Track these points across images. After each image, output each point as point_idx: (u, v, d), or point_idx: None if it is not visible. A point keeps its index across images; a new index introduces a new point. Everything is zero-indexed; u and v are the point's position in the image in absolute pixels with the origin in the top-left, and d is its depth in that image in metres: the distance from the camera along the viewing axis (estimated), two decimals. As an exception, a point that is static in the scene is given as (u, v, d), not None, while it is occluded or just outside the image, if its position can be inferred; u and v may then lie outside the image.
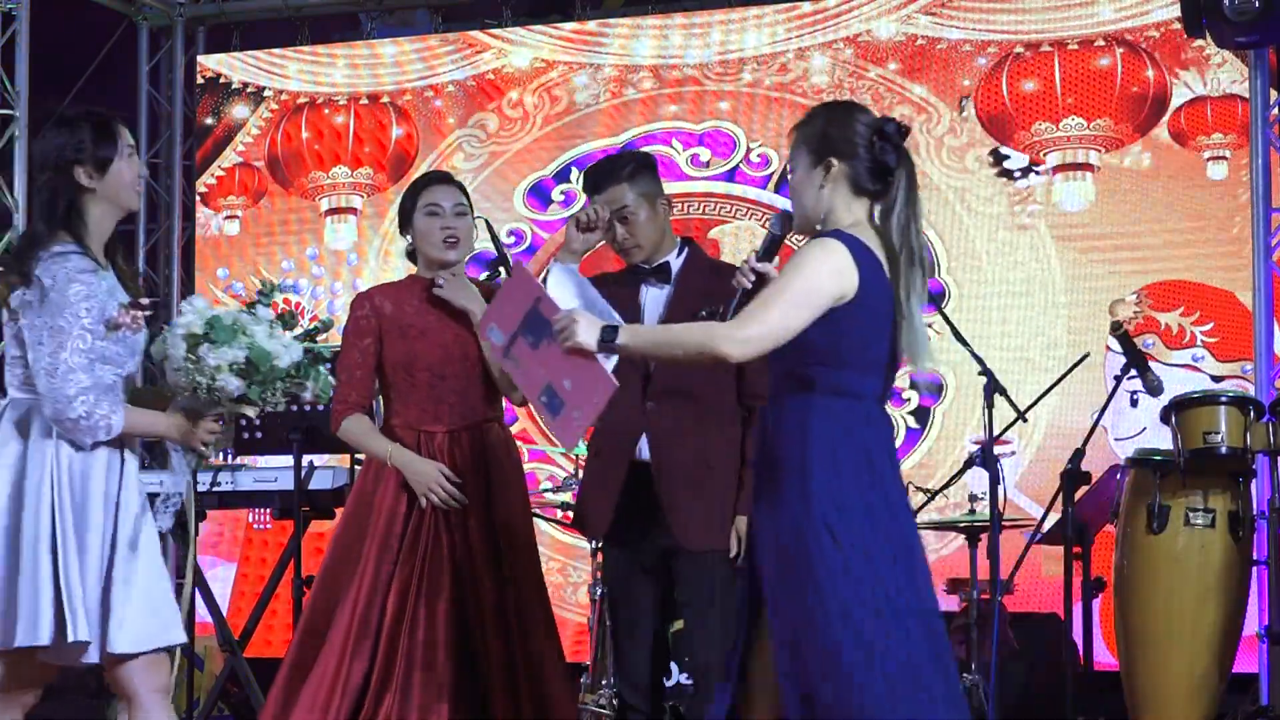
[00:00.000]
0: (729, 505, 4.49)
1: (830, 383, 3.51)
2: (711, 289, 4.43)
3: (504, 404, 4.77)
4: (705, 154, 8.22)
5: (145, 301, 3.87)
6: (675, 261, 4.62)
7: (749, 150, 8.17)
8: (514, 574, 4.55)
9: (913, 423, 7.83)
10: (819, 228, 3.63)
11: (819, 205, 3.62)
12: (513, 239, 8.46)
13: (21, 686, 3.91)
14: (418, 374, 4.63)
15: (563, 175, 8.46)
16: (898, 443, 7.68)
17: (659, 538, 4.54)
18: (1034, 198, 7.76)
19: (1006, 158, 7.83)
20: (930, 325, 7.71)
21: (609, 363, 3.59)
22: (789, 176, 3.75)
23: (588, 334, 3.49)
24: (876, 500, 3.49)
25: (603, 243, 4.64)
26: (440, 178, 4.81)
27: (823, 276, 3.46)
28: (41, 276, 3.78)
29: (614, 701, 5.91)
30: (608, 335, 3.49)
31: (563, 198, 8.45)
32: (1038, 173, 7.76)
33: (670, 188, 4.71)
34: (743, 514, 4.42)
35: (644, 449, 4.54)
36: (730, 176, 8.19)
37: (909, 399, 7.84)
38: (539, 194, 8.47)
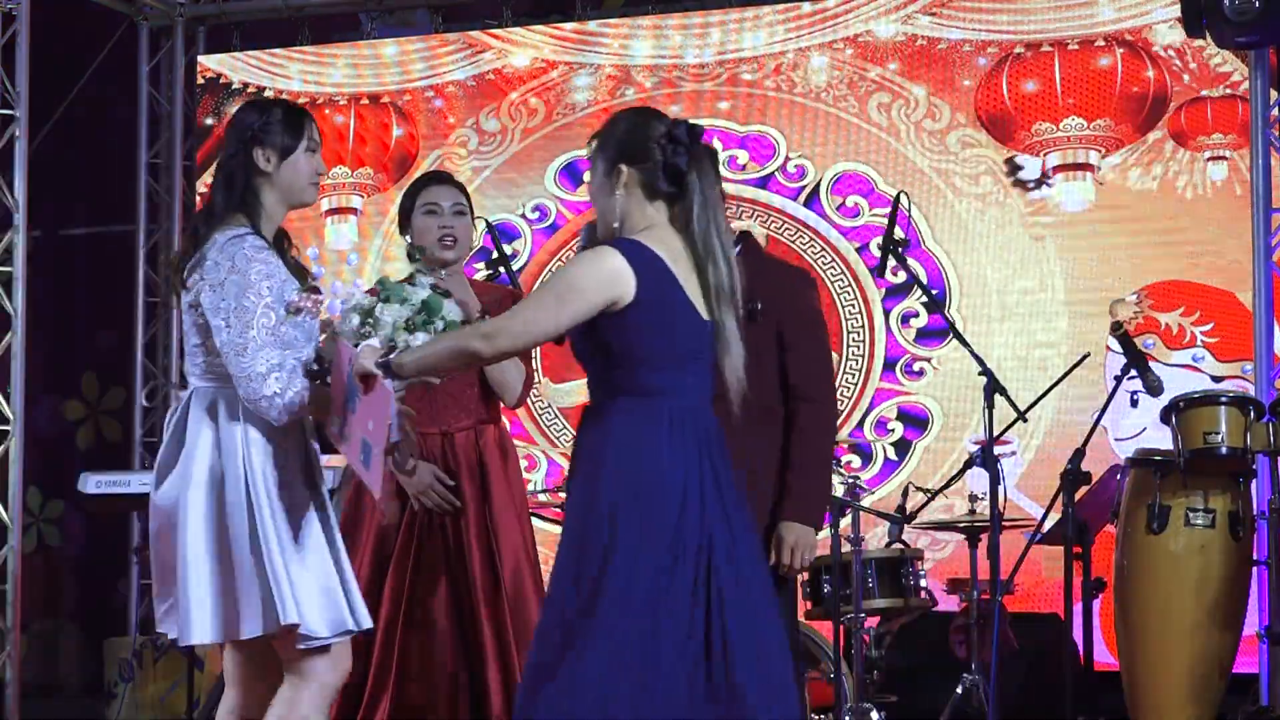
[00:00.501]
0: (765, 512, 4.33)
1: (630, 383, 3.57)
2: (754, 286, 4.39)
3: (500, 405, 4.76)
4: (744, 157, 8.19)
5: (320, 287, 3.90)
6: None
7: (787, 159, 8.15)
8: (509, 575, 4.54)
9: (892, 454, 7.83)
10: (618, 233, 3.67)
11: (614, 211, 3.67)
12: (537, 214, 8.46)
13: (263, 676, 3.89)
14: None
15: None
16: (874, 471, 7.74)
17: None
18: (1044, 209, 7.76)
19: (1021, 168, 7.83)
20: (930, 361, 7.86)
21: (392, 387, 3.67)
22: (587, 184, 3.79)
23: (369, 359, 3.63)
24: (661, 497, 3.52)
25: None
26: (439, 177, 4.81)
27: (583, 281, 3.53)
28: (220, 260, 3.75)
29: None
30: (383, 358, 3.63)
31: None
32: (1050, 184, 7.76)
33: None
34: (785, 520, 4.31)
35: None
36: (764, 183, 8.16)
37: (893, 429, 7.86)
38: (571, 173, 8.46)
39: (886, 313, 7.95)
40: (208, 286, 3.76)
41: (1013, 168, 7.84)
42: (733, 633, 3.51)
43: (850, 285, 7.98)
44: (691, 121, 3.68)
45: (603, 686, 3.44)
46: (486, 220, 5.21)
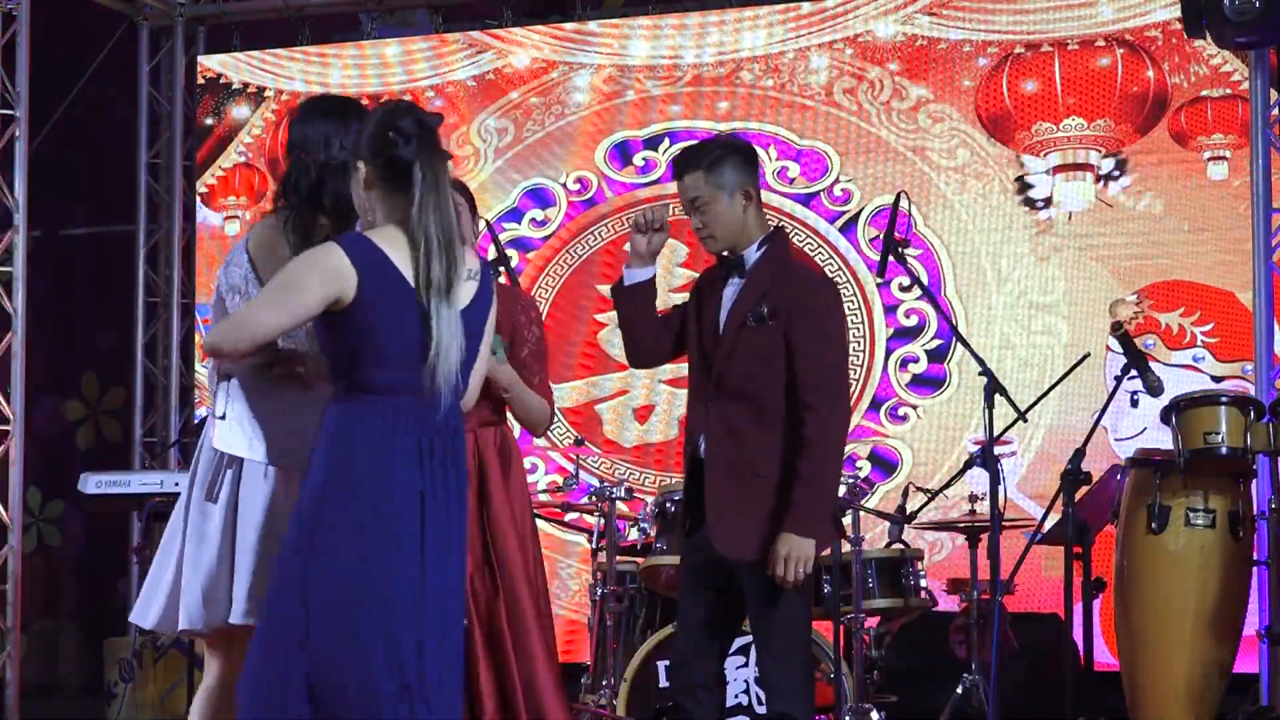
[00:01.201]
0: (768, 517, 4.32)
1: (358, 380, 3.55)
2: (769, 291, 4.38)
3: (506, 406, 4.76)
4: (795, 170, 8.13)
5: None
6: (752, 256, 4.45)
7: (836, 181, 8.10)
8: (506, 581, 4.53)
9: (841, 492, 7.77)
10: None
11: (364, 210, 3.67)
12: (579, 185, 8.44)
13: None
14: None
15: (653, 142, 8.42)
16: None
17: (707, 538, 4.42)
18: (1053, 230, 7.74)
19: (1031, 186, 7.81)
20: (916, 409, 7.83)
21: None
22: None
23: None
24: (378, 498, 3.52)
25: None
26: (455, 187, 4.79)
27: (302, 280, 3.52)
28: None
29: (613, 701, 5.92)
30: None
31: (644, 163, 8.41)
32: (1056, 207, 7.74)
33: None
34: (783, 530, 4.28)
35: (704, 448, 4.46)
36: (807, 200, 8.10)
37: (860, 468, 7.87)
38: (622, 152, 8.44)
39: (888, 352, 7.93)
40: None
41: (1022, 185, 7.82)
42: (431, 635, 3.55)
43: (861, 318, 7.95)
44: (426, 111, 3.65)
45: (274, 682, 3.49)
46: (486, 220, 5.21)
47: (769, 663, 4.41)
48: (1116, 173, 7.67)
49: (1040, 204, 7.78)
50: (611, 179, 8.42)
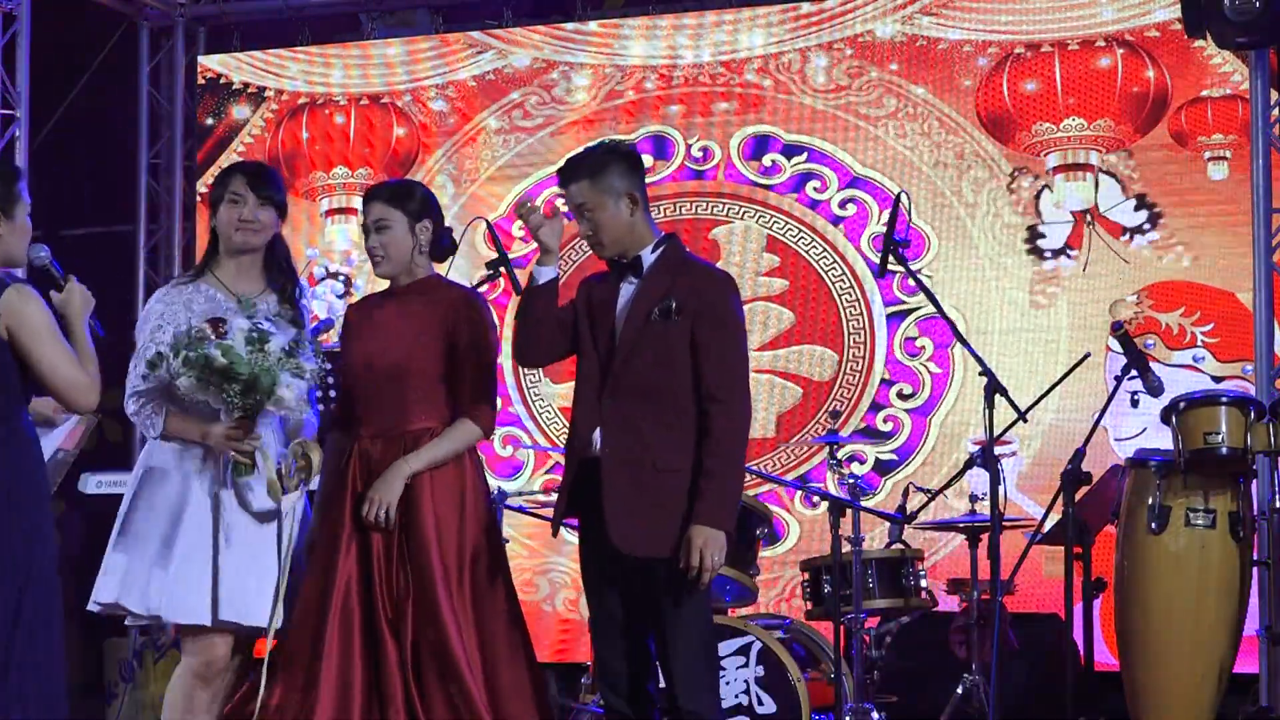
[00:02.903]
0: (676, 513, 4.34)
1: None
2: (672, 288, 4.41)
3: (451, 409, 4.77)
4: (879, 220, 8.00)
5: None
6: (649, 258, 4.50)
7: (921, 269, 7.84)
8: (417, 574, 4.50)
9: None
10: None
11: None
12: (702, 154, 8.25)
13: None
14: (348, 378, 4.70)
15: (791, 150, 8.21)
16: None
17: (610, 537, 4.42)
18: (1059, 279, 7.71)
19: (1042, 236, 7.78)
20: (863, 456, 7.83)
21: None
22: None
23: None
24: None
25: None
26: (369, 194, 4.77)
27: None
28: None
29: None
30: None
31: (770, 164, 8.19)
32: (1070, 256, 7.71)
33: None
34: (695, 524, 4.30)
35: (599, 445, 4.45)
36: (878, 274, 7.91)
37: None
38: (758, 145, 8.24)
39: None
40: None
41: (1033, 234, 7.78)
42: None
43: (859, 380, 7.96)
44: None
45: None
46: (487, 221, 5.21)
47: (676, 659, 4.38)
48: (1147, 226, 7.64)
49: (1049, 254, 7.74)
50: (734, 165, 8.29)
